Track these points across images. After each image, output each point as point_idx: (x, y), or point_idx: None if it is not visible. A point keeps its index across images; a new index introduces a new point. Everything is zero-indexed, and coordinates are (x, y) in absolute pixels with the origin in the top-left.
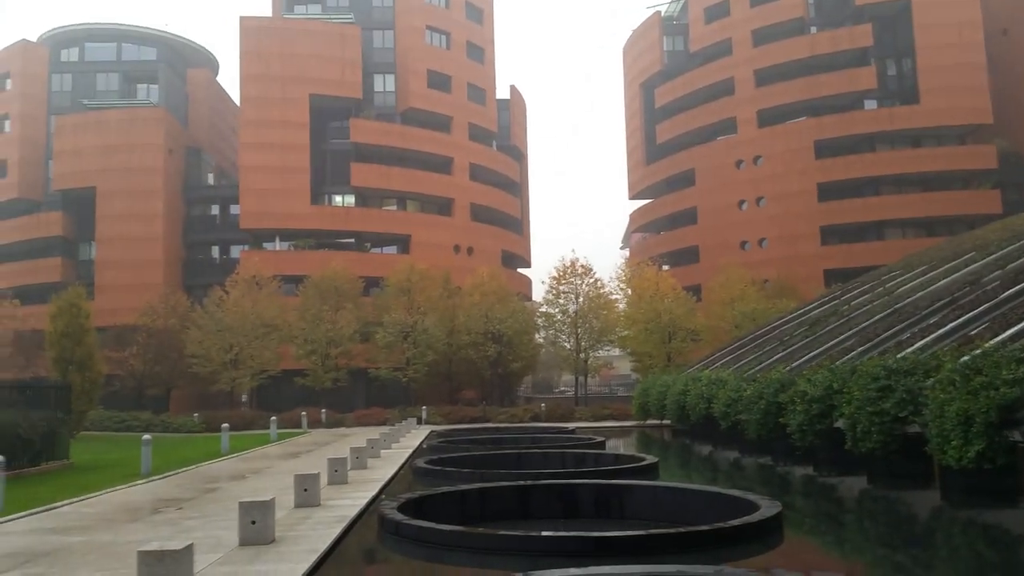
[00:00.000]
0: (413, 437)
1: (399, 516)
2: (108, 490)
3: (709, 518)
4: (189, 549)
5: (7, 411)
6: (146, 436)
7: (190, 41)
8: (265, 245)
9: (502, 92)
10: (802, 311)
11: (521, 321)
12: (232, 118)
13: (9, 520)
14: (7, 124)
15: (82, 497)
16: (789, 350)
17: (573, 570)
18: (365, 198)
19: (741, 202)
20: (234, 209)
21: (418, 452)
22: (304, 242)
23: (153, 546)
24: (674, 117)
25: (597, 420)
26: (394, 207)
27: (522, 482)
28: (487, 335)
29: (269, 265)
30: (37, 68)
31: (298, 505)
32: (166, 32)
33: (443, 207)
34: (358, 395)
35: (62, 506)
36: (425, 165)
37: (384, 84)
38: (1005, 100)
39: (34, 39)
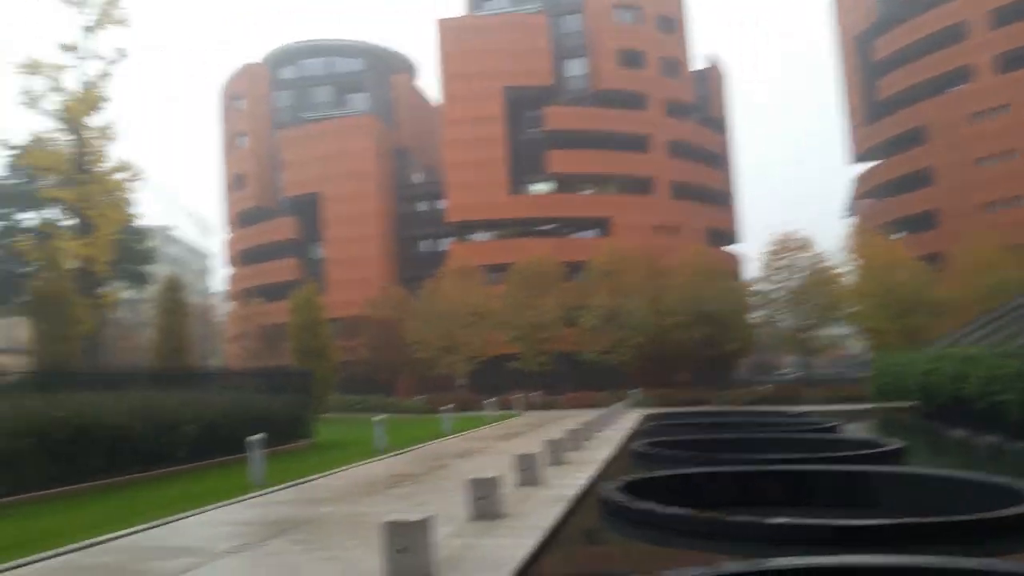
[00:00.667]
0: (626, 420)
1: (621, 498)
2: (349, 466)
3: (967, 508)
4: (429, 521)
5: (262, 396)
6: (378, 417)
7: (391, 49)
8: (470, 236)
9: (698, 63)
10: None
11: (733, 300)
12: (431, 117)
13: (271, 492)
14: (242, 140)
15: (328, 472)
16: None
17: (819, 558)
18: (563, 184)
19: (983, 159)
20: (441, 204)
21: (634, 435)
22: (506, 231)
23: (396, 517)
24: (897, 70)
25: (828, 403)
26: (592, 190)
27: (752, 467)
28: (697, 316)
29: (475, 255)
30: (262, 88)
31: (520, 484)
32: (371, 43)
33: (642, 187)
34: (568, 378)
35: (312, 480)
36: (621, 145)
37: (575, 68)
38: None
39: (256, 60)
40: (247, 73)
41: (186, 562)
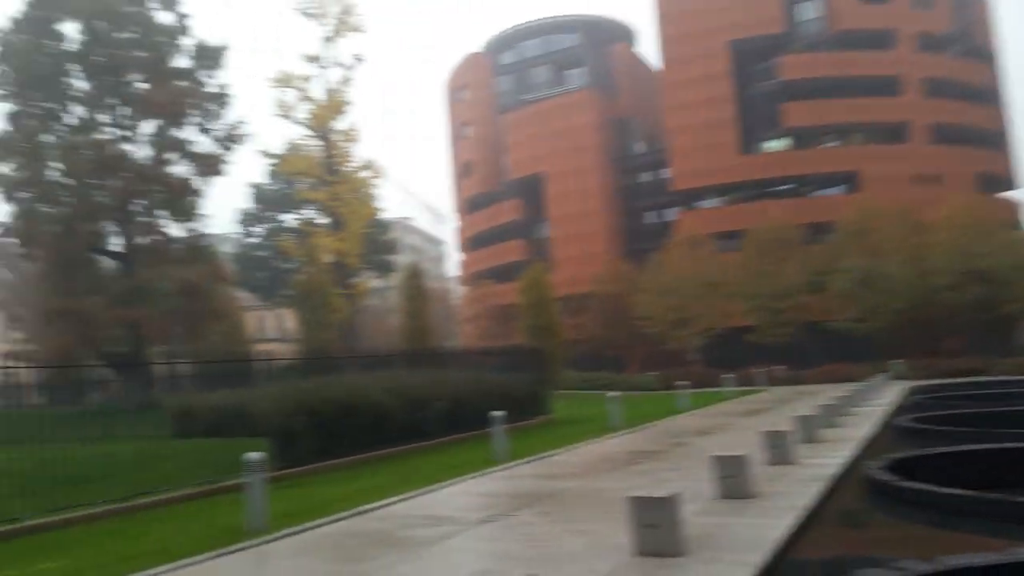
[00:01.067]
0: (887, 394)
1: (889, 477)
2: (586, 442)
3: None
4: (676, 498)
5: (500, 374)
6: (612, 394)
7: (608, 18)
8: (698, 204)
9: None
10: None
11: (1013, 255)
12: (652, 84)
13: (514, 466)
14: (467, 130)
15: (567, 448)
16: None
17: None
18: (800, 138)
19: None
20: (665, 173)
21: (897, 410)
22: (737, 195)
23: (642, 493)
24: None
25: None
26: (835, 143)
27: None
28: (968, 275)
29: (703, 223)
30: (484, 75)
31: (770, 462)
32: (584, 15)
33: (894, 134)
34: (814, 350)
35: (553, 455)
36: (867, 90)
37: (808, 11)
38: None
39: (477, 50)
40: (469, 63)
41: (446, 530)
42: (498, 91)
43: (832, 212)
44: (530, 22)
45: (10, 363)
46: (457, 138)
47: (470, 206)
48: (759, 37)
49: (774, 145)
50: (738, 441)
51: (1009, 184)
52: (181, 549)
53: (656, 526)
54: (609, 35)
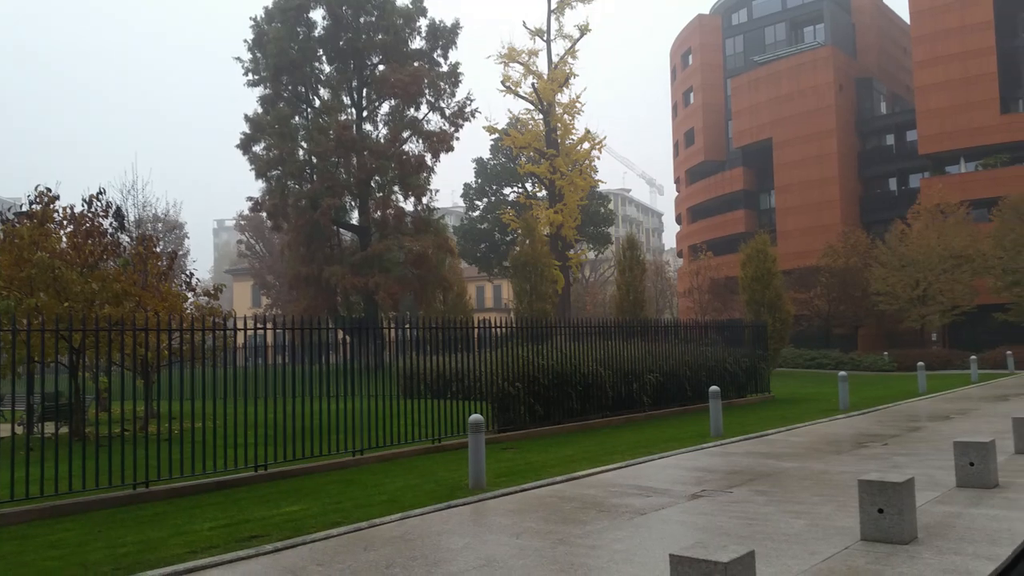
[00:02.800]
0: None
1: None
2: (810, 422)
3: None
4: (910, 483)
5: (717, 348)
6: (842, 373)
7: None
8: (948, 169)
9: None
10: None
11: None
12: (903, 39)
13: (730, 442)
14: (692, 96)
15: (788, 427)
16: None
17: None
18: None
19: None
20: (910, 136)
21: None
22: (996, 159)
23: (874, 476)
24: None
25: None
26: None
27: None
28: None
29: (954, 190)
30: (712, 38)
31: (1019, 452)
32: None
33: None
34: None
35: (772, 434)
36: None
37: None
38: None
39: (706, 11)
40: (697, 25)
41: (658, 501)
42: (727, 54)
43: None
44: None
45: (259, 325)
46: (680, 106)
47: (691, 176)
48: None
49: None
50: (982, 428)
51: None
52: (409, 500)
53: (887, 511)
54: None
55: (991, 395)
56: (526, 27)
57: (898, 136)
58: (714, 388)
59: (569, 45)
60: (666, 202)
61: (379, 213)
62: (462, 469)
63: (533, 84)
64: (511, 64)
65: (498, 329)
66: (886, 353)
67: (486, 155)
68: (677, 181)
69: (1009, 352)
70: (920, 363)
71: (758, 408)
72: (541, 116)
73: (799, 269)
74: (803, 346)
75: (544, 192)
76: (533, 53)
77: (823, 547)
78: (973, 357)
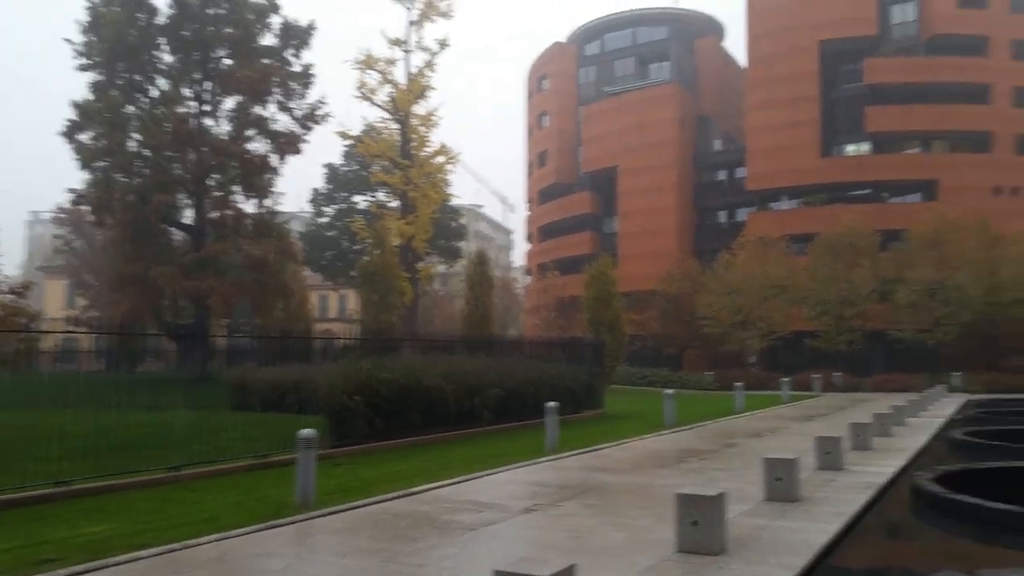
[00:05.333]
0: (944, 406)
1: (938, 489)
2: (638, 438)
3: None
4: (722, 497)
5: (558, 365)
6: (668, 391)
7: (696, 12)
8: (772, 205)
9: None
10: None
11: None
12: (738, 82)
13: (564, 457)
14: (545, 120)
15: (618, 442)
16: None
17: None
18: (881, 144)
19: None
20: (740, 173)
21: (953, 423)
22: (813, 198)
23: (689, 490)
24: None
25: None
26: (917, 150)
27: None
28: None
29: (776, 225)
30: (567, 65)
31: (820, 467)
32: (674, 9)
33: (978, 143)
34: (875, 359)
35: (603, 449)
36: (954, 98)
37: (904, 13)
38: None
39: (563, 40)
40: (554, 52)
41: (491, 516)
42: (580, 82)
43: (906, 220)
44: (617, 13)
45: (72, 328)
46: (534, 128)
47: (542, 197)
48: (850, 38)
49: (853, 149)
50: (790, 445)
51: None
52: (229, 519)
53: (700, 524)
54: (696, 29)
55: (799, 415)
56: (385, 36)
57: (730, 172)
58: (550, 404)
59: (428, 58)
60: (518, 220)
61: (217, 213)
62: (291, 486)
63: (390, 93)
64: (368, 71)
65: (340, 340)
66: (709, 373)
67: (338, 161)
68: (529, 200)
69: (816, 375)
70: (738, 383)
71: (592, 423)
72: (397, 126)
73: (637, 292)
74: (637, 365)
75: (397, 203)
76: (391, 62)
77: (642, 559)
78: (785, 379)
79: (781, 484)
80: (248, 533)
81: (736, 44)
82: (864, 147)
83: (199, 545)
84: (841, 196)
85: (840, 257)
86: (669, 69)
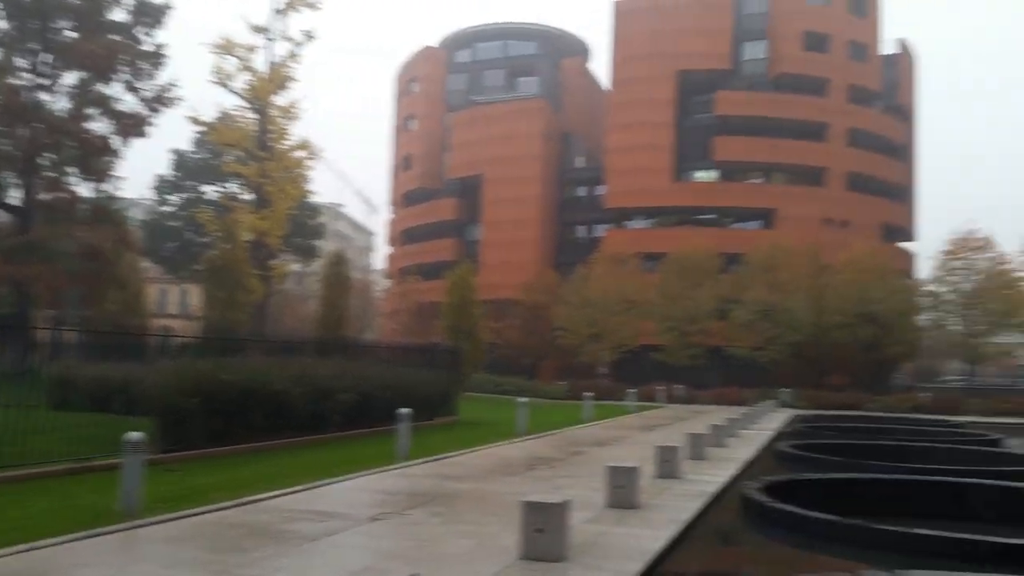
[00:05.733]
0: (773, 420)
1: (763, 498)
2: (490, 445)
3: None
4: (566, 504)
5: (413, 370)
6: (522, 400)
7: (566, 32)
8: (628, 223)
9: (888, 47)
10: None
11: (902, 301)
12: (600, 102)
13: (415, 464)
14: (413, 123)
15: (470, 449)
16: None
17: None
18: (728, 172)
19: None
20: (600, 190)
21: (780, 435)
22: (665, 219)
23: (535, 498)
24: None
25: (993, 415)
26: (759, 180)
27: (904, 476)
28: (860, 316)
29: (631, 243)
30: (437, 71)
31: (659, 476)
32: (544, 26)
33: (814, 177)
34: (714, 373)
35: (454, 456)
36: (795, 133)
37: (754, 51)
38: None
39: (434, 45)
40: (424, 56)
41: (332, 525)
42: (450, 89)
43: (746, 245)
44: (490, 24)
45: None
46: (401, 130)
47: (405, 200)
48: (705, 70)
49: (703, 176)
50: (632, 454)
51: (908, 235)
52: (41, 528)
53: (544, 531)
54: (564, 48)
55: (643, 424)
56: (247, 22)
57: (590, 189)
58: (402, 410)
59: (292, 48)
60: (381, 222)
61: (49, 195)
62: (114, 493)
63: (249, 81)
64: (226, 56)
65: (179, 337)
66: (562, 383)
67: (188, 148)
68: (393, 203)
69: (661, 387)
70: (588, 393)
71: (446, 431)
72: (255, 116)
73: (497, 301)
74: (494, 373)
75: (251, 195)
76: (252, 49)
77: (486, 566)
78: (632, 390)
79: (622, 491)
80: (61, 543)
81: (601, 66)
82: (712, 174)
83: (2, 557)
84: (690, 219)
85: (686, 276)
86: (537, 84)
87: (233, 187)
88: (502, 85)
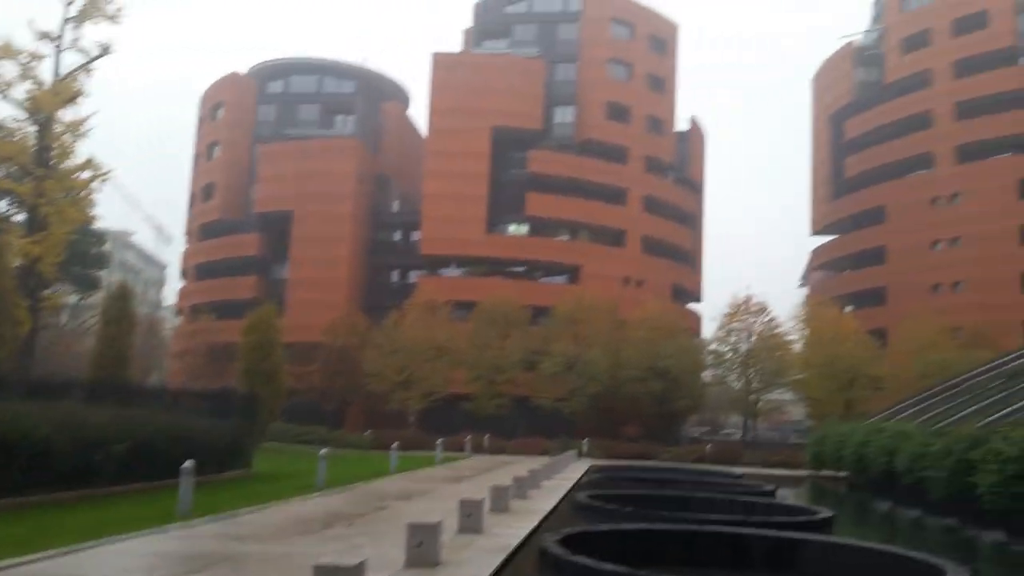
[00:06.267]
0: (573, 470)
1: (560, 551)
2: (285, 501)
3: None
4: (362, 566)
5: (202, 418)
6: (323, 451)
7: (386, 75)
8: (441, 271)
9: (682, 124)
10: (998, 362)
11: (689, 358)
12: (419, 148)
13: (198, 524)
14: (216, 151)
15: (262, 506)
16: (982, 404)
17: None
18: (539, 227)
19: (935, 243)
20: (415, 236)
21: (578, 486)
22: (477, 269)
23: (327, 561)
24: (864, 151)
25: (767, 466)
26: (566, 237)
27: (688, 526)
28: (652, 371)
29: (443, 290)
30: (246, 99)
31: (461, 530)
32: (364, 67)
33: (615, 238)
34: (520, 423)
35: (243, 514)
36: (599, 196)
37: (564, 116)
38: None
39: (243, 72)
40: (232, 82)
41: None
42: (259, 119)
43: (553, 298)
44: (306, 58)
45: None
46: (202, 157)
47: (204, 232)
48: (519, 128)
49: (515, 229)
50: (437, 507)
51: (696, 297)
52: None
53: None
54: (385, 91)
55: (449, 476)
56: (32, 28)
57: (406, 234)
58: (186, 464)
59: (85, 61)
60: (174, 253)
61: None
62: None
63: (31, 91)
64: (4, 61)
65: None
66: (368, 432)
67: None
68: (188, 234)
69: (468, 437)
70: (395, 444)
71: (238, 485)
72: (35, 128)
73: (302, 343)
74: (295, 420)
75: (22, 216)
76: (37, 57)
77: None
78: (439, 440)
79: (422, 549)
80: None
81: (421, 112)
82: (524, 228)
83: None
84: (501, 270)
85: (496, 327)
86: (354, 123)
87: (1, 204)
88: (317, 120)
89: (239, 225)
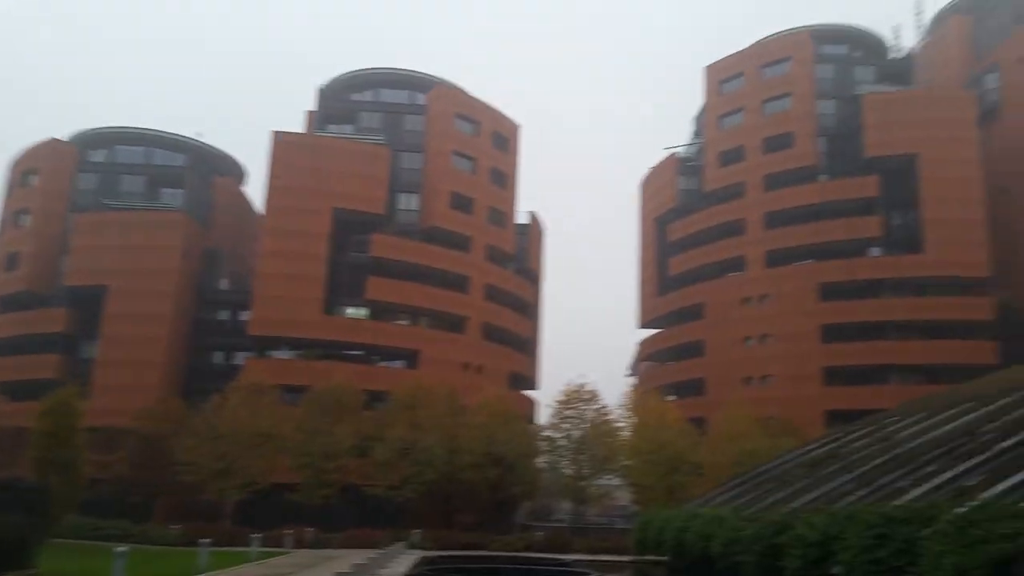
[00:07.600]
0: (400, 564)
1: None
2: None
3: None
4: None
5: None
6: (121, 548)
7: (219, 150)
8: (271, 353)
9: (522, 217)
10: (802, 452)
11: (524, 444)
12: (253, 226)
13: None
14: (26, 218)
15: None
16: (788, 491)
17: None
18: (379, 312)
19: (747, 338)
20: (244, 315)
21: None
22: (311, 352)
23: None
24: (686, 252)
25: (594, 553)
26: (406, 322)
27: None
28: (489, 457)
29: (273, 373)
30: (64, 166)
31: None
32: (196, 140)
33: (455, 324)
34: (349, 514)
35: None
36: (441, 283)
37: (408, 202)
38: (1006, 254)
39: (64, 138)
40: (49, 148)
41: None
42: (77, 187)
43: (391, 383)
44: (133, 128)
45: None
46: (9, 225)
47: (4, 304)
48: (362, 213)
49: (353, 312)
50: None
51: (532, 384)
52: None
53: None
54: (217, 165)
55: (263, 575)
56: None
57: (234, 313)
58: None
59: None
60: None
61: None
62: None
63: None
64: None
65: None
66: (176, 526)
67: None
68: None
69: (289, 531)
70: (205, 540)
71: None
72: None
73: (109, 428)
74: (96, 513)
75: None
76: None
77: None
78: (255, 535)
79: None
80: None
81: (257, 190)
82: (363, 311)
83: None
84: (337, 353)
85: (328, 411)
86: (183, 197)
87: None
88: (143, 192)
89: (45, 299)
